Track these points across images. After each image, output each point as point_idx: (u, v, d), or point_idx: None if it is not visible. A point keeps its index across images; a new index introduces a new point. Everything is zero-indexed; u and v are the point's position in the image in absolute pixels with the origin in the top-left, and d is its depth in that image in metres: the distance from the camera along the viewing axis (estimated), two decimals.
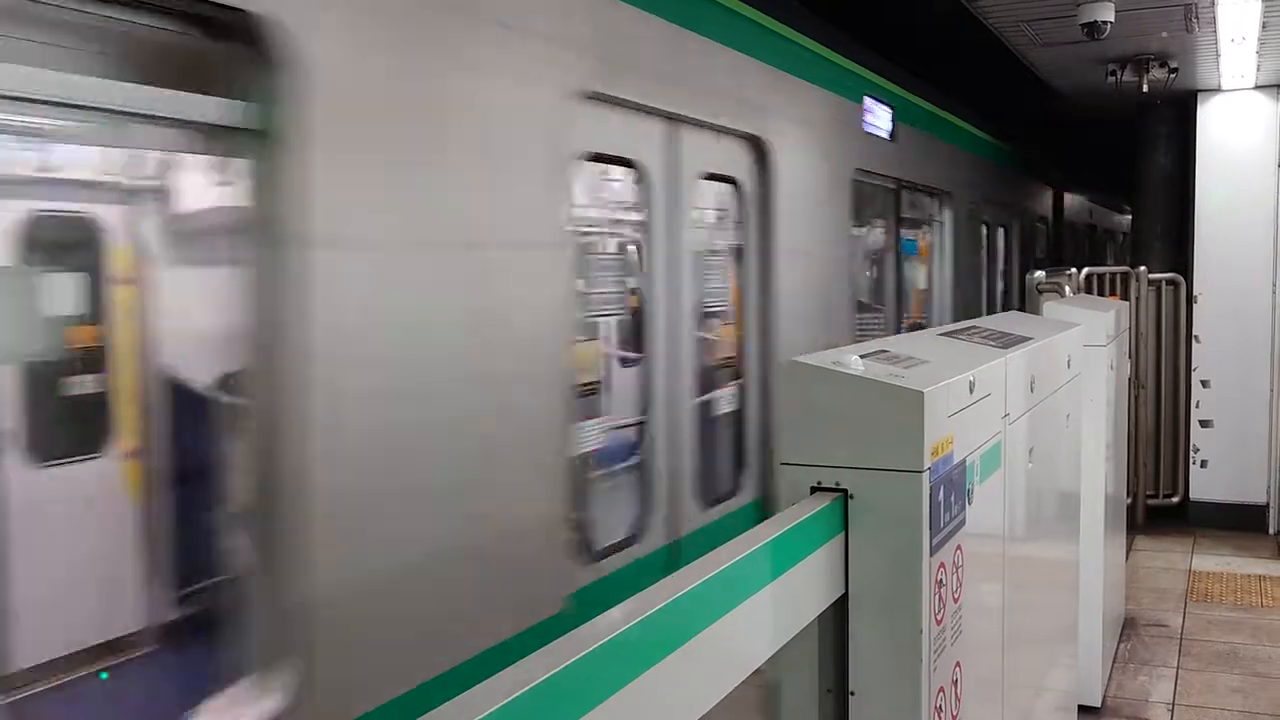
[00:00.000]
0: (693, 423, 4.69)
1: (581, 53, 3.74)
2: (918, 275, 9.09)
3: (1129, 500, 7.80)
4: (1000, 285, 11.34)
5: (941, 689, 2.44)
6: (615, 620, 1.55)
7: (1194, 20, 6.86)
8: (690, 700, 1.72)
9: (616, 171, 4.52)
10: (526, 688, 1.33)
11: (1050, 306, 5.34)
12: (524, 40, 3.40)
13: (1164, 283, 9.23)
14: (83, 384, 3.74)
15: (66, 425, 3.81)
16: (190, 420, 3.44)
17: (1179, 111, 9.53)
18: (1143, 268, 9.15)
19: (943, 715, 2.44)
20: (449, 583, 2.97)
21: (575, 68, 3.68)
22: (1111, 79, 8.41)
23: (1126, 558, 7.31)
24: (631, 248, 4.72)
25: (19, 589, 2.72)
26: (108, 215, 3.77)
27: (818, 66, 6.07)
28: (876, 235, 8.03)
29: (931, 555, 2.34)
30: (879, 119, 7.05)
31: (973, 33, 7.27)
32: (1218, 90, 9.07)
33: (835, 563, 2.27)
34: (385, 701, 2.71)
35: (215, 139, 2.80)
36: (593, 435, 4.40)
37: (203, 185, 3.25)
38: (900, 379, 2.35)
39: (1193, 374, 9.09)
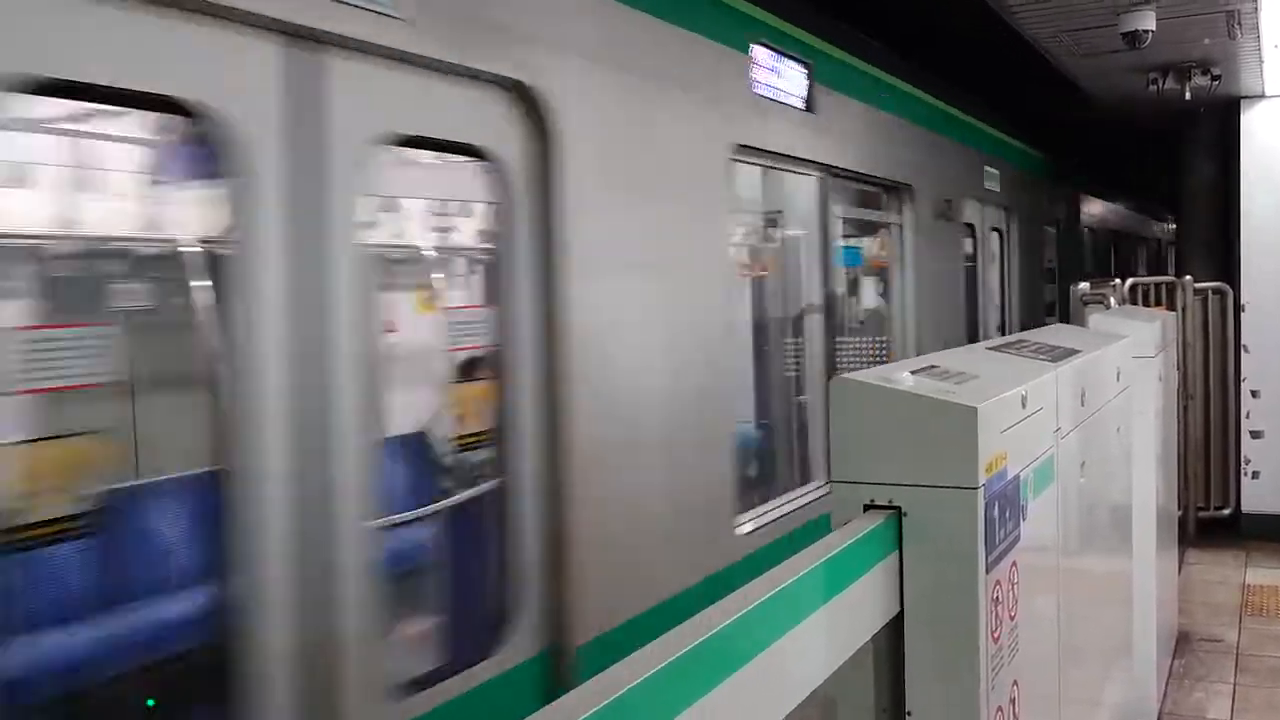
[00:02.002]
0: None
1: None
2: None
3: (1180, 513, 7.68)
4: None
5: (1000, 708, 2.40)
6: (672, 645, 1.53)
7: (1236, 27, 6.80)
8: None
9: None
10: (581, 718, 1.32)
11: (1096, 319, 5.28)
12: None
13: (1210, 292, 9.10)
14: None
15: None
16: None
17: (1222, 118, 9.42)
18: (1188, 277, 9.03)
19: None
20: None
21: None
22: (1153, 87, 8.34)
23: (1179, 571, 7.19)
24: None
25: None
26: None
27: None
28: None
29: (987, 573, 2.30)
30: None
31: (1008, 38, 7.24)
32: (1262, 96, 8.97)
33: (890, 581, 2.24)
34: None
35: None
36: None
37: None
38: (953, 394, 2.32)
39: (1242, 384, 8.95)
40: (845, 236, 6.81)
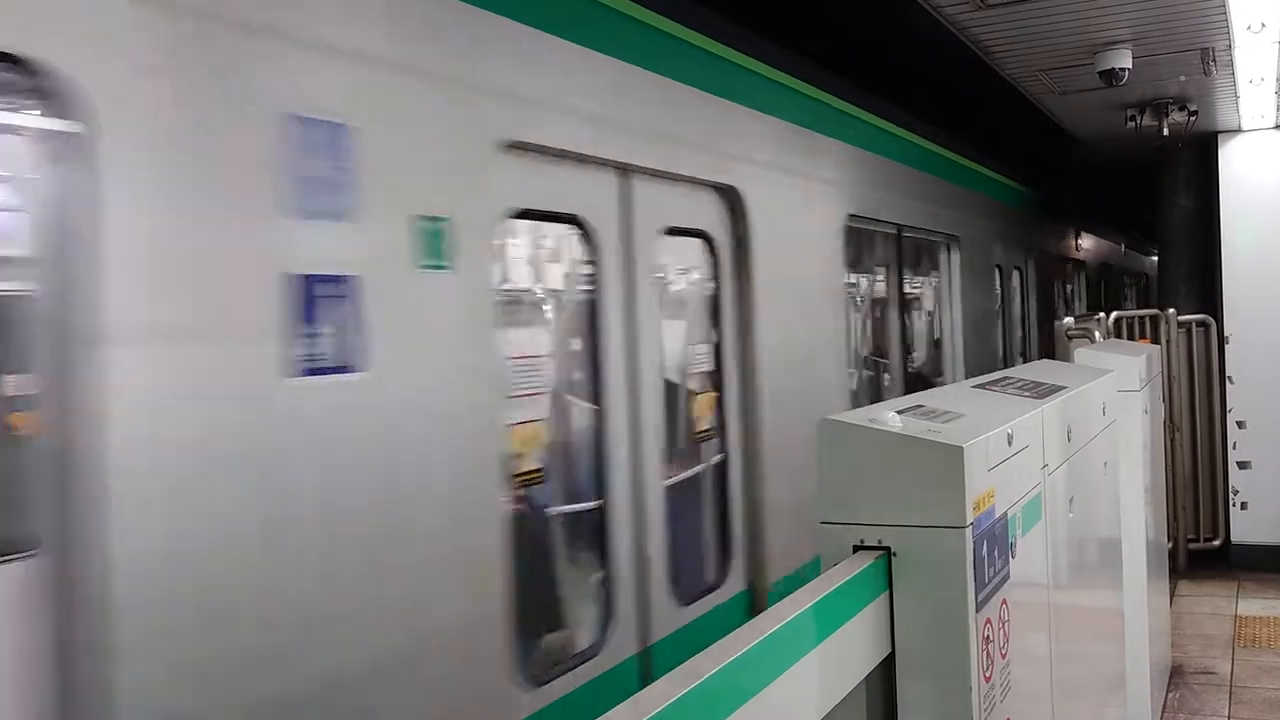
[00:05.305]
0: None
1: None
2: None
3: (1169, 545, 7.69)
4: None
5: None
6: (662, 693, 1.53)
7: (1211, 64, 6.89)
8: None
9: None
10: None
11: (1081, 353, 5.30)
12: None
13: (1194, 324, 9.16)
14: None
15: None
16: None
17: (1200, 153, 9.53)
18: (1171, 310, 9.09)
19: None
20: None
21: None
22: (1131, 124, 8.44)
23: (1170, 604, 7.18)
24: None
25: None
26: None
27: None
28: None
29: (978, 611, 2.31)
30: None
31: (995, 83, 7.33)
32: (1238, 131, 9.08)
33: (881, 622, 2.24)
34: None
35: None
36: None
37: None
38: (939, 434, 2.33)
39: (1228, 415, 8.99)
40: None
